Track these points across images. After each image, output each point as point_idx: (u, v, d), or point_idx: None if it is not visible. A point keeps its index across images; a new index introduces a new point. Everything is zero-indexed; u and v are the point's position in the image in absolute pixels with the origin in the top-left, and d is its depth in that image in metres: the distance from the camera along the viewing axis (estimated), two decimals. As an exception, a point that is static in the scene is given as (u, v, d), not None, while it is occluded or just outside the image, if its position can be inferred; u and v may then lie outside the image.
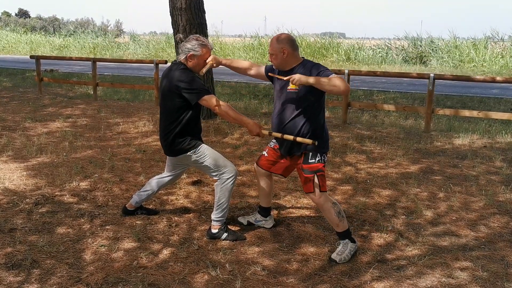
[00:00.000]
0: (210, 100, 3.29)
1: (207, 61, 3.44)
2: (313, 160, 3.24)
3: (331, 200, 3.27)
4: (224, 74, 16.26)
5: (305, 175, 3.24)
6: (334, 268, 3.14)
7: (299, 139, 3.17)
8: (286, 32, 24.92)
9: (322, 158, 3.26)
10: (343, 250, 3.27)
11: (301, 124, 3.22)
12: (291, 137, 3.20)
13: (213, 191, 4.53)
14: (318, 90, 3.14)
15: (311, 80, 3.04)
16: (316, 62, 3.29)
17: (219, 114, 3.34)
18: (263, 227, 3.76)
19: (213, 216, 3.53)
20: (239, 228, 3.75)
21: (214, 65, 3.47)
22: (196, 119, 3.49)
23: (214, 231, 3.53)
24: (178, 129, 3.39)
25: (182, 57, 3.40)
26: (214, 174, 3.49)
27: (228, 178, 3.45)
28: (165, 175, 3.81)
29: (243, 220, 3.84)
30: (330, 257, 3.25)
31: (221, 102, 3.31)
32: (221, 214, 3.50)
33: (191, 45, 3.38)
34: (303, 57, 3.31)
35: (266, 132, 3.34)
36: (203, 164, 3.47)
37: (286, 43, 3.21)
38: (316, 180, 3.21)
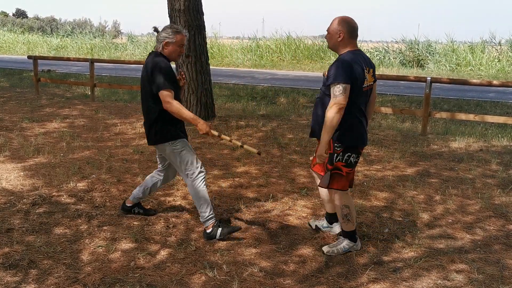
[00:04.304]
0: (164, 96, 3.37)
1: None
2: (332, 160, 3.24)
3: (344, 202, 3.28)
4: (222, 75, 16.29)
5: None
6: (330, 269, 3.16)
7: (245, 147, 3.29)
8: (286, 33, 24.97)
9: (343, 157, 3.19)
10: (336, 244, 3.37)
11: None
12: (239, 143, 3.30)
13: (210, 193, 4.54)
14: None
15: (324, 143, 3.08)
16: (342, 60, 3.08)
17: (168, 110, 3.41)
18: (330, 233, 3.69)
19: (201, 219, 3.56)
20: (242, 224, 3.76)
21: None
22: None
23: (208, 230, 3.54)
24: (157, 117, 3.48)
25: (158, 46, 3.54)
26: (184, 172, 3.54)
27: (199, 181, 3.51)
28: (158, 169, 3.89)
29: (312, 223, 3.79)
30: (322, 247, 3.41)
31: (173, 101, 3.37)
32: (207, 214, 3.53)
33: (166, 33, 3.51)
34: (352, 50, 3.15)
35: (215, 133, 3.44)
36: (177, 159, 3.54)
37: (346, 28, 3.12)
38: (328, 176, 3.25)
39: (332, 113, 3.00)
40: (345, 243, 3.37)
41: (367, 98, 3.25)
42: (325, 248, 3.38)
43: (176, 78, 3.55)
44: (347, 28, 3.12)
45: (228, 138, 3.37)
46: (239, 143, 3.26)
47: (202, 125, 3.38)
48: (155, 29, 3.65)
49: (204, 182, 3.52)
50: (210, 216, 3.53)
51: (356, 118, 3.15)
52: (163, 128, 3.48)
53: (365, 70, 3.12)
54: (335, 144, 3.18)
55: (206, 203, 3.52)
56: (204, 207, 3.52)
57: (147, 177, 3.93)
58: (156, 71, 3.40)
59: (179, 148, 3.51)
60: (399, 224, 3.93)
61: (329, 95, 3.09)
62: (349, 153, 3.19)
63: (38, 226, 3.68)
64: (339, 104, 2.99)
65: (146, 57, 3.60)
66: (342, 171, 3.22)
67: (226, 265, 3.17)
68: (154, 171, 3.93)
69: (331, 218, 3.69)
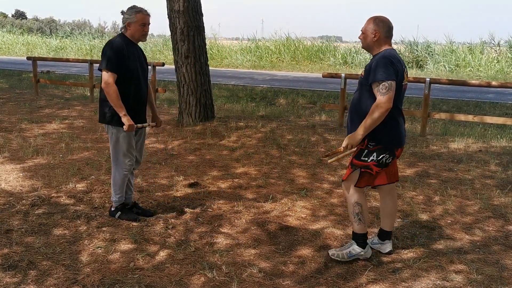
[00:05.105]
0: (106, 75, 3.50)
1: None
2: (366, 158, 3.13)
3: (357, 199, 3.19)
4: (221, 76, 16.29)
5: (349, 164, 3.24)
6: (330, 270, 3.16)
7: (152, 124, 3.80)
8: (285, 34, 24.96)
9: (377, 157, 3.10)
10: (343, 248, 3.27)
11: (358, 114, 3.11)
12: (147, 124, 3.79)
13: (209, 194, 4.55)
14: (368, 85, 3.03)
15: (360, 135, 3.01)
16: (382, 57, 2.99)
17: (104, 90, 3.52)
18: (378, 251, 3.41)
19: (111, 198, 3.90)
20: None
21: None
22: (125, 94, 3.59)
23: (112, 209, 3.91)
24: (104, 97, 3.59)
25: (122, 27, 3.65)
26: (112, 158, 3.77)
27: (120, 174, 3.76)
28: None
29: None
30: (328, 251, 3.33)
31: (111, 84, 3.48)
32: (115, 198, 3.85)
33: (127, 14, 3.61)
34: (388, 49, 3.08)
35: (140, 125, 3.72)
36: (112, 144, 3.72)
37: (381, 27, 3.05)
38: (356, 174, 3.17)
39: (379, 112, 2.92)
40: (351, 248, 3.21)
41: (403, 97, 3.18)
42: (331, 251, 3.27)
43: (127, 59, 3.56)
44: (383, 28, 3.05)
45: (146, 124, 3.79)
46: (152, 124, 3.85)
47: (127, 121, 3.52)
48: (122, 12, 3.69)
49: (125, 177, 3.78)
50: (116, 200, 3.85)
51: (393, 117, 3.06)
52: (111, 110, 3.59)
53: (403, 68, 3.07)
54: (370, 143, 3.09)
55: (119, 189, 3.82)
56: (116, 191, 3.82)
57: None
58: (104, 49, 3.54)
59: (117, 136, 3.66)
60: (398, 225, 3.93)
61: (367, 97, 3.04)
62: (383, 154, 3.09)
63: (37, 227, 3.68)
64: (387, 103, 2.91)
65: None
66: (372, 171, 3.13)
67: (225, 266, 3.17)
68: None
69: (383, 235, 3.42)
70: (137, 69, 3.65)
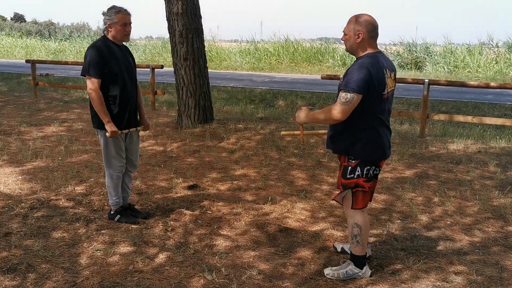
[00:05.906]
0: (89, 81, 3.48)
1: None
2: (352, 175, 2.92)
3: (356, 221, 2.98)
4: (220, 78, 16.29)
5: (340, 184, 3.04)
6: (329, 272, 3.15)
7: (139, 128, 3.77)
8: (284, 36, 25.00)
9: (362, 172, 2.91)
10: (339, 268, 3.10)
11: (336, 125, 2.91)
12: (134, 129, 3.76)
13: (209, 196, 4.55)
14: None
15: (304, 119, 2.94)
16: (360, 65, 2.76)
17: (90, 96, 3.52)
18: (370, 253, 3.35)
19: (109, 201, 3.89)
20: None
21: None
22: (111, 98, 3.58)
23: (112, 212, 3.90)
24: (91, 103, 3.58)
25: (104, 30, 3.59)
26: (103, 161, 3.77)
27: (113, 177, 3.76)
28: None
29: (337, 246, 3.46)
30: (324, 269, 3.16)
31: (95, 91, 3.47)
32: (112, 201, 3.85)
33: (107, 15, 3.54)
34: (373, 52, 2.84)
35: (125, 131, 3.69)
36: (102, 147, 3.73)
37: (365, 27, 2.80)
38: (349, 196, 2.98)
39: (326, 116, 2.79)
40: (348, 268, 3.06)
41: (389, 105, 2.91)
42: (326, 270, 3.11)
43: (111, 62, 3.51)
44: (367, 27, 2.79)
45: (134, 129, 3.77)
46: (134, 129, 3.77)
47: (110, 127, 3.50)
48: (103, 14, 3.64)
49: (117, 179, 3.78)
50: (114, 203, 3.85)
51: (373, 128, 2.85)
52: (95, 114, 3.58)
53: (386, 75, 2.81)
54: (350, 157, 2.90)
55: (114, 191, 3.82)
56: (112, 194, 3.83)
57: None
58: (86, 54, 3.50)
59: (105, 140, 3.65)
60: (397, 226, 3.93)
61: None
62: (368, 167, 2.90)
63: (36, 230, 3.67)
64: (340, 115, 2.73)
65: None
66: (364, 187, 2.94)
67: (224, 268, 3.17)
68: None
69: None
70: (121, 71, 3.57)
